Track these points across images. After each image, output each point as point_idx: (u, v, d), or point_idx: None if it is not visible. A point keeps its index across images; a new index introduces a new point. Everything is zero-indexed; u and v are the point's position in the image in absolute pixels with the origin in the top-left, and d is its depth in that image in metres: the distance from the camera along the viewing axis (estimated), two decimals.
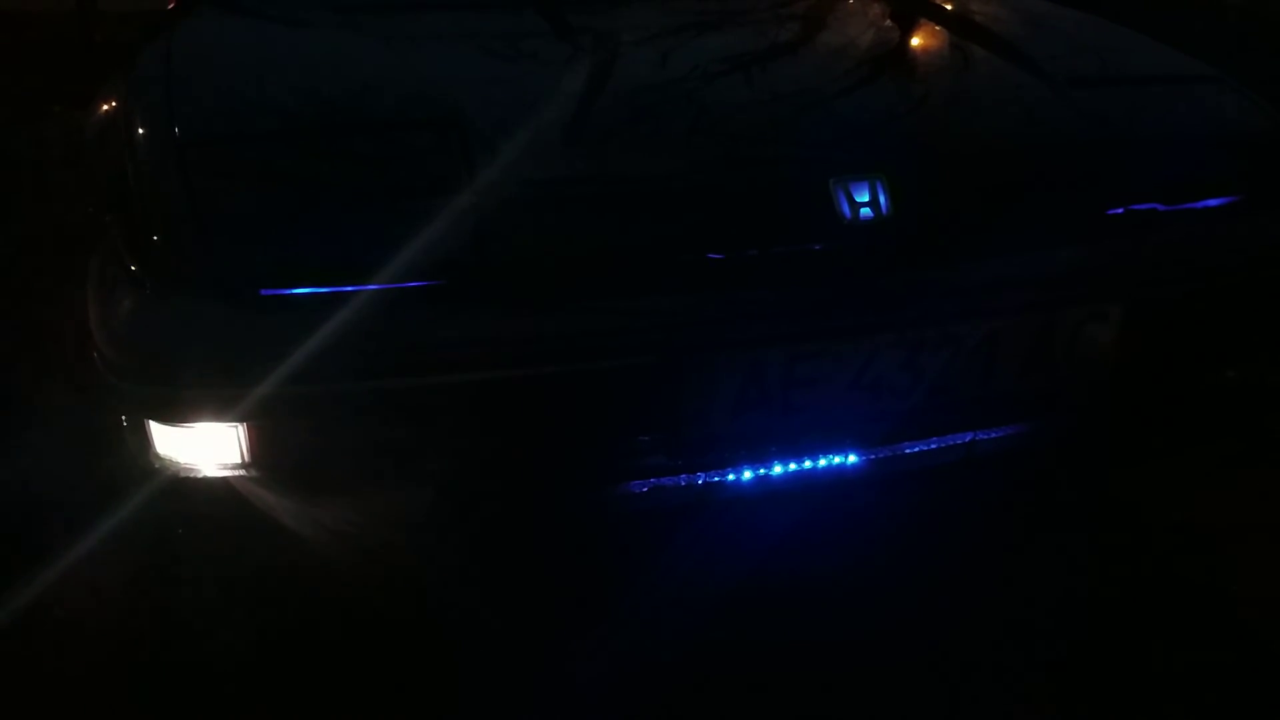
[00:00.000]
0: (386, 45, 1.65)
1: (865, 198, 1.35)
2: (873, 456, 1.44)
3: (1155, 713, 1.40)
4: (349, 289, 1.23)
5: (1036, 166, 1.50)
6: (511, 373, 1.25)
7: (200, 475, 1.22)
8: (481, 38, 1.70)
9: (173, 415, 1.20)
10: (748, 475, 1.39)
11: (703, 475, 1.39)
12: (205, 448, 1.21)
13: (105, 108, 1.63)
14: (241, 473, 1.21)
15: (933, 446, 1.46)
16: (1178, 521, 1.78)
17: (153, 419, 1.20)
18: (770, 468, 1.40)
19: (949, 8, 1.97)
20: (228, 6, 1.89)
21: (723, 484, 1.38)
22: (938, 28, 1.89)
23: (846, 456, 1.42)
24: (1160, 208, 1.53)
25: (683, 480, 1.39)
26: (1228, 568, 1.68)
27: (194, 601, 1.49)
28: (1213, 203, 1.57)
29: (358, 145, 1.37)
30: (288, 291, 1.22)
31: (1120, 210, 1.51)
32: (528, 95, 1.47)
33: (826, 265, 1.33)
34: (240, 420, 1.19)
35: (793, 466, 1.42)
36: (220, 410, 1.19)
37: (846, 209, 1.34)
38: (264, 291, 1.22)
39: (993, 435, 1.49)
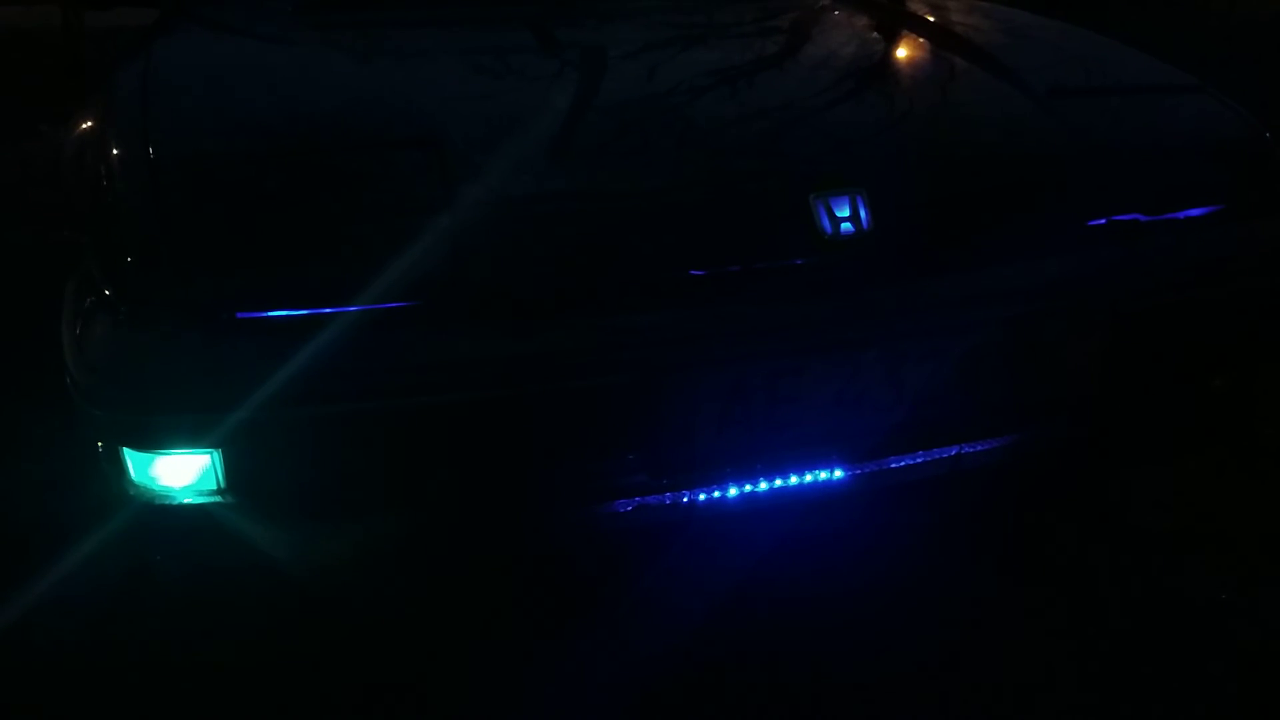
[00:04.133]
0: (367, 62, 1.65)
1: (846, 212, 1.34)
2: (858, 471, 1.43)
3: None
4: (327, 311, 1.22)
5: (1018, 178, 1.50)
6: (492, 393, 1.24)
7: (177, 503, 1.20)
8: (461, 54, 1.69)
9: (148, 442, 1.18)
10: (733, 492, 1.38)
11: (687, 493, 1.38)
12: (182, 475, 1.20)
13: (82, 127, 1.62)
14: (219, 499, 1.20)
15: (919, 460, 1.46)
16: (1166, 530, 1.78)
17: (128, 446, 1.19)
18: (756, 484, 1.39)
19: (930, 20, 1.96)
20: (207, 24, 1.88)
21: (708, 502, 1.37)
22: (919, 40, 1.89)
23: (832, 472, 1.41)
24: (1143, 218, 1.53)
25: (668, 499, 1.38)
26: (1216, 576, 1.67)
27: (171, 629, 1.47)
28: (1195, 212, 1.57)
29: (336, 164, 1.36)
30: (265, 315, 1.21)
31: (1103, 221, 1.50)
32: (507, 113, 1.46)
33: (808, 281, 1.32)
34: (217, 446, 1.18)
35: (779, 483, 1.41)
36: (196, 437, 1.18)
37: (827, 224, 1.33)
38: (240, 315, 1.21)
39: (978, 448, 1.49)
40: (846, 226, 1.34)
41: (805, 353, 1.30)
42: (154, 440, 1.18)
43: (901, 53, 1.86)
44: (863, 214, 1.35)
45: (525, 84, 1.59)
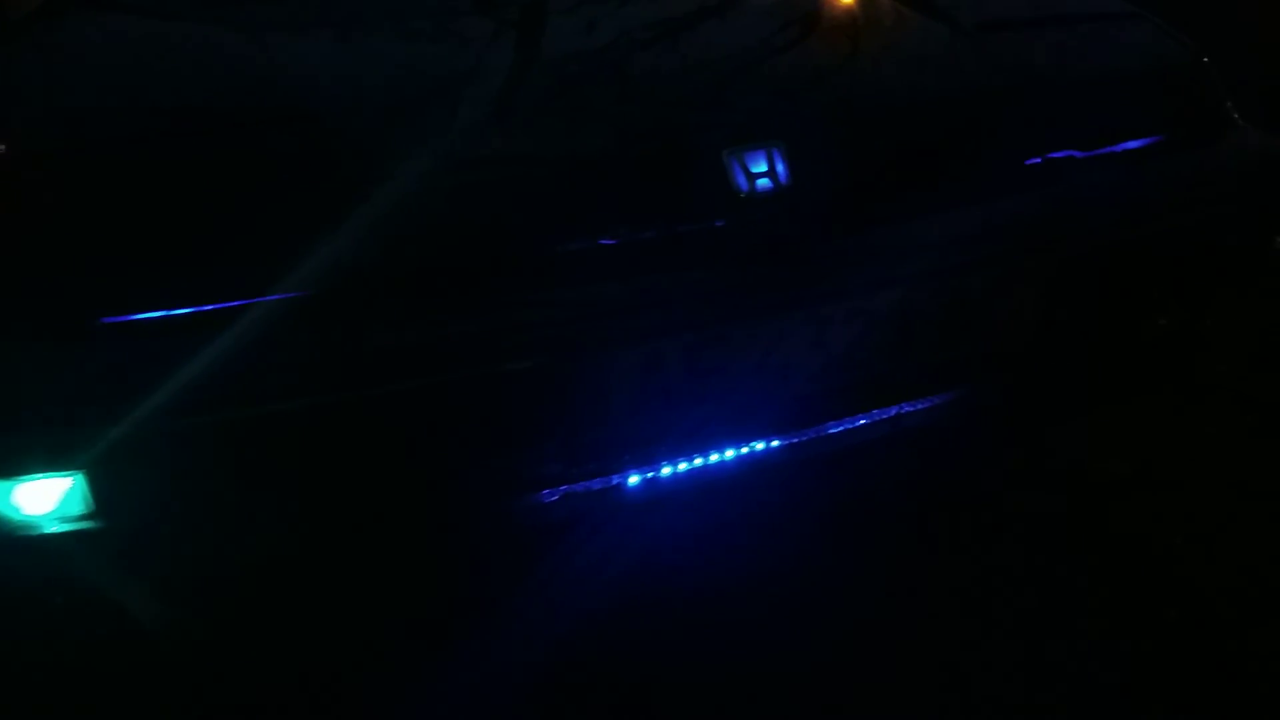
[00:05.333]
0: (247, 34, 1.52)
1: (762, 167, 1.25)
2: (794, 440, 1.35)
3: (1092, 684, 1.34)
4: (202, 309, 1.11)
5: (946, 121, 1.40)
6: (389, 388, 1.14)
7: (42, 532, 1.10)
8: (349, 25, 1.55)
9: (4, 467, 1.07)
10: (666, 471, 1.29)
11: (616, 477, 1.29)
12: (46, 500, 1.09)
13: None
14: (90, 525, 1.09)
15: (857, 424, 1.38)
16: (1118, 476, 1.73)
17: None
18: (689, 461, 1.30)
19: None
20: (82, 5, 1.73)
21: (637, 485, 1.29)
22: None
23: (768, 443, 1.33)
24: (1078, 154, 1.45)
25: (596, 485, 1.29)
26: (1167, 520, 1.63)
27: (36, 671, 1.35)
28: (1132, 145, 1.49)
29: (209, 146, 1.23)
30: (133, 318, 1.10)
31: (1037, 160, 1.43)
32: (394, 80, 1.34)
33: (723, 244, 1.23)
34: (84, 468, 1.07)
35: (714, 458, 1.32)
36: (60, 458, 1.07)
37: (743, 181, 1.24)
38: (105, 320, 1.10)
39: (919, 407, 1.41)
40: (764, 182, 1.25)
41: (724, 321, 1.21)
42: (11, 465, 1.07)
43: None
44: (780, 168, 1.26)
45: (417, 47, 1.47)
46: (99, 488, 1.08)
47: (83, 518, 1.09)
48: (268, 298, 1.13)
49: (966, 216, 1.34)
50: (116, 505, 1.09)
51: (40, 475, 1.08)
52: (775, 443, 1.33)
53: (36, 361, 1.08)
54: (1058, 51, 1.56)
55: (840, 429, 1.37)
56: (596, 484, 1.29)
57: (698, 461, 1.31)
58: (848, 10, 1.67)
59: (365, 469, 1.18)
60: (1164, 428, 1.85)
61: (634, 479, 1.30)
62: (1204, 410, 1.91)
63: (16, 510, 1.09)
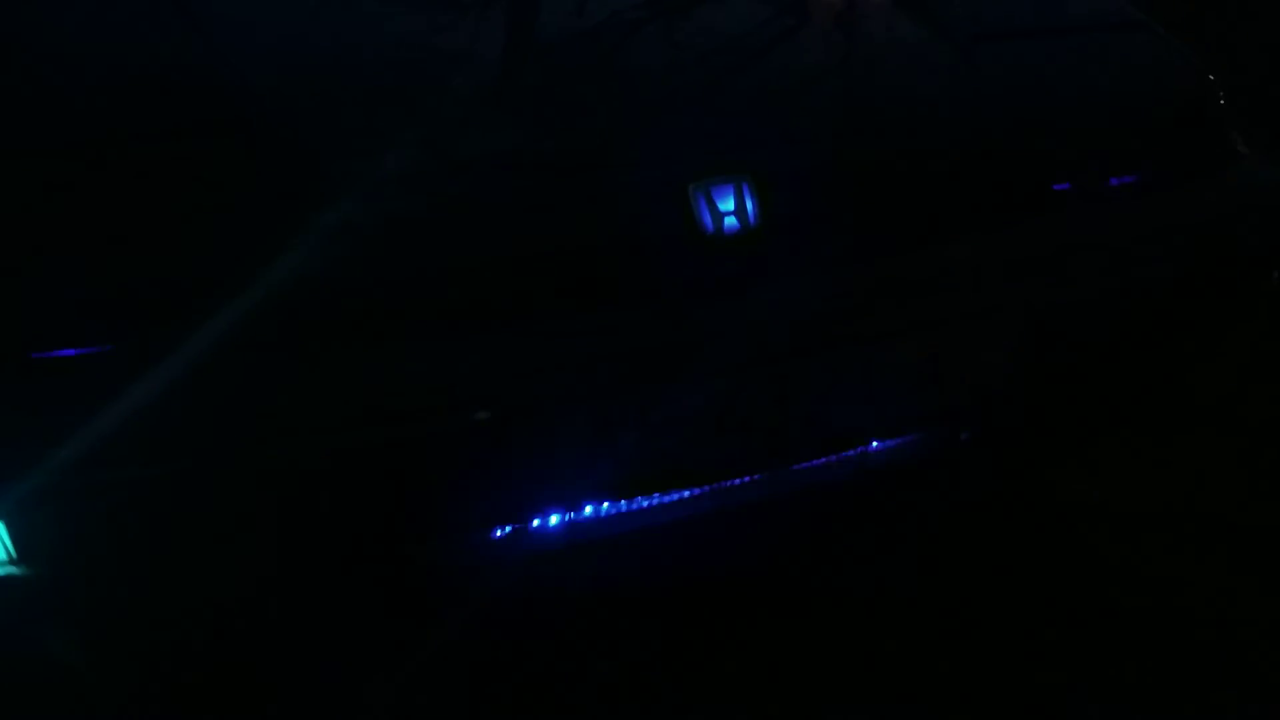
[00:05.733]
0: (170, 20, 1.40)
1: (730, 204, 1.18)
2: (752, 479, 1.30)
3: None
4: (142, 344, 1.05)
5: (933, 151, 1.33)
6: (326, 442, 1.08)
7: None
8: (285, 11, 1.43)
9: None
10: (615, 520, 1.25)
11: (563, 528, 1.24)
12: None
13: None
14: (8, 573, 1.06)
15: (820, 464, 1.33)
16: (1087, 502, 1.69)
17: None
18: (642, 510, 1.25)
19: None
20: None
21: (583, 540, 1.24)
22: None
23: (727, 483, 1.28)
24: (1076, 189, 1.37)
25: (543, 533, 1.24)
26: (1133, 551, 1.58)
27: None
28: (1134, 179, 1.41)
29: (140, 156, 1.14)
30: (64, 354, 1.05)
31: (1029, 195, 1.35)
32: (335, 88, 1.23)
33: (685, 290, 1.16)
34: (3, 515, 1.03)
35: (673, 498, 1.27)
36: None
37: (709, 220, 1.17)
38: (35, 355, 1.05)
39: (889, 445, 1.35)
40: (731, 221, 1.18)
41: (682, 377, 1.15)
42: None
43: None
44: (750, 205, 1.18)
45: (353, 55, 1.34)
46: (20, 535, 1.04)
47: (1, 564, 1.05)
48: (212, 336, 1.07)
49: (949, 261, 1.27)
50: (39, 553, 1.06)
51: None
52: (741, 480, 1.29)
53: None
54: (1060, 69, 1.47)
55: (804, 468, 1.32)
56: (544, 534, 1.24)
57: (655, 505, 1.26)
58: (831, 18, 1.56)
59: (309, 520, 1.13)
60: (1144, 450, 1.80)
61: (579, 532, 1.24)
62: (1188, 433, 1.86)
63: None
